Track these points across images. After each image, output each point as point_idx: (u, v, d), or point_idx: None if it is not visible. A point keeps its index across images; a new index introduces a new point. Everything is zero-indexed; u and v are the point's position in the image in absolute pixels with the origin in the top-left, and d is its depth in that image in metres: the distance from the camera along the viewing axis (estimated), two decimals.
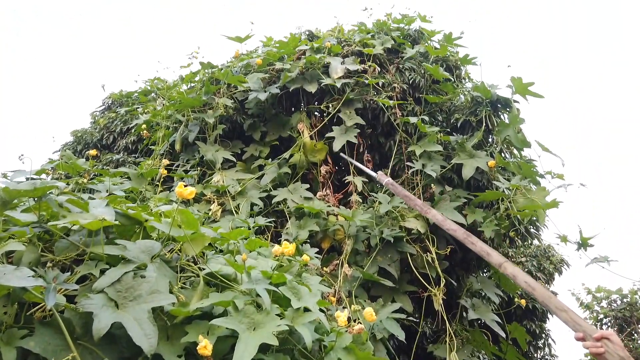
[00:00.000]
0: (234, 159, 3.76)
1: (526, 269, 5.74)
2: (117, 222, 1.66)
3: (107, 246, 1.59)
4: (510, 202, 3.14)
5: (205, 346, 1.36)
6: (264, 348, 1.58)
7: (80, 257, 1.59)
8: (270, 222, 3.06)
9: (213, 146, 3.76)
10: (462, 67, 4.57)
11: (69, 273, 1.51)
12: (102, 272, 1.48)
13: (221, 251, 2.24)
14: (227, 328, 1.50)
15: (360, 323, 1.73)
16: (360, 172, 3.62)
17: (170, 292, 1.62)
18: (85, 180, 2.91)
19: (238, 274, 1.82)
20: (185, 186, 1.54)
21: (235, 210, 3.28)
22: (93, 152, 2.90)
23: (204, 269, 1.77)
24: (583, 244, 2.79)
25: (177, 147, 3.92)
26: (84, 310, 1.31)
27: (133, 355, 1.41)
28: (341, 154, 3.71)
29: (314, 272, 2.69)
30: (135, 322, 1.35)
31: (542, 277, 5.83)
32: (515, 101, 3.58)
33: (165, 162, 3.20)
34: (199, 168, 3.70)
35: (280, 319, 1.57)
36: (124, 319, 1.34)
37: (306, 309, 1.66)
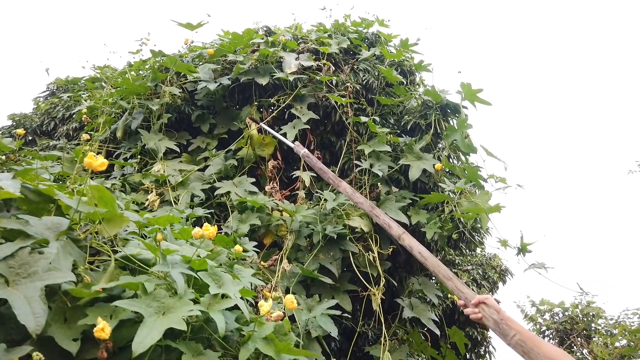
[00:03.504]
0: (178, 150, 3.62)
1: (471, 277, 5.83)
2: (21, 195, 1.52)
3: (7, 220, 1.44)
4: (455, 206, 3.15)
5: (102, 328, 1.24)
6: (175, 335, 1.48)
7: None
8: (209, 213, 2.94)
9: (157, 135, 3.61)
10: (416, 73, 4.62)
11: None
12: None
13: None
14: (133, 312, 1.39)
15: (285, 314, 1.65)
16: (309, 168, 3.55)
17: (77, 273, 1.49)
18: (8, 160, 2.70)
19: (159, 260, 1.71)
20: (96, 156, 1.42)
21: (174, 201, 3.14)
22: (20, 131, 2.70)
23: (119, 252, 1.65)
24: (522, 249, 2.82)
25: (119, 134, 3.74)
26: None
27: (23, 338, 1.28)
28: (248, 118, 3.66)
29: (249, 266, 2.59)
30: (24, 300, 1.22)
31: (487, 285, 5.94)
32: (464, 107, 3.62)
33: (96, 147, 3.03)
34: (139, 157, 3.54)
35: (196, 304, 1.47)
36: (12, 297, 1.21)
37: (225, 296, 1.57)
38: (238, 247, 2.20)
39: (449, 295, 3.48)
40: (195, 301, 1.51)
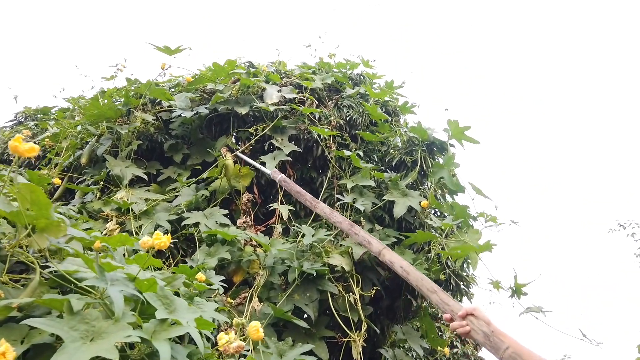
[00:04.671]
0: (146, 178, 3.36)
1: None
2: None
3: None
4: (442, 245, 2.92)
5: (3, 353, 0.94)
6: None
7: None
8: (173, 244, 2.65)
9: (124, 162, 3.34)
10: (400, 115, 4.52)
11: None
12: None
13: None
14: (54, 335, 1.09)
15: (246, 344, 1.35)
16: (287, 201, 3.31)
17: None
18: None
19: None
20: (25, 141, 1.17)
21: (136, 231, 2.84)
22: None
23: (49, 267, 1.36)
24: (517, 291, 2.57)
25: (83, 160, 3.46)
26: None
27: None
28: (223, 147, 3.45)
29: (213, 301, 2.28)
30: None
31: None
32: (451, 145, 3.48)
33: (55, 172, 2.75)
34: (102, 183, 3.25)
35: (136, 330, 1.17)
36: None
37: (176, 323, 1.28)
38: (200, 276, 1.91)
39: (438, 349, 3.17)
40: (139, 327, 1.21)
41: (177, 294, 1.72)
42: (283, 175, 3.00)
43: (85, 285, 1.22)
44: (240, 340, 1.35)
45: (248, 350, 1.91)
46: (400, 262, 2.05)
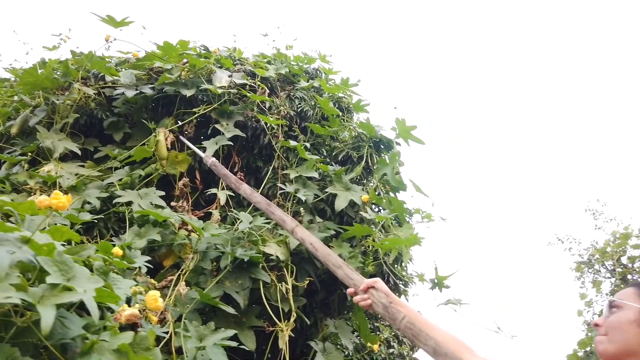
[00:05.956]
0: (79, 153, 3.20)
1: (393, 332, 5.55)
2: None
3: None
4: (375, 239, 2.93)
5: None
6: None
7: None
8: (97, 219, 2.53)
9: (57, 134, 3.17)
10: (354, 113, 4.53)
11: None
12: None
13: None
14: None
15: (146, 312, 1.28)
16: (226, 188, 3.23)
17: None
18: None
19: None
20: None
21: None
22: None
23: None
24: (438, 283, 2.61)
25: (14, 130, 3.26)
26: None
27: None
28: (160, 129, 3.37)
29: (134, 279, 2.17)
30: None
31: (409, 343, 5.69)
32: (397, 143, 3.52)
33: None
34: (30, 154, 3.06)
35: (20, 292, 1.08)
36: None
37: (68, 290, 1.19)
38: (117, 251, 1.82)
39: (368, 345, 3.18)
40: (23, 289, 1.12)
41: (90, 269, 1.63)
42: (214, 159, 3.01)
43: None
44: (145, 311, 1.28)
45: (167, 331, 1.83)
46: (310, 239, 2.05)
